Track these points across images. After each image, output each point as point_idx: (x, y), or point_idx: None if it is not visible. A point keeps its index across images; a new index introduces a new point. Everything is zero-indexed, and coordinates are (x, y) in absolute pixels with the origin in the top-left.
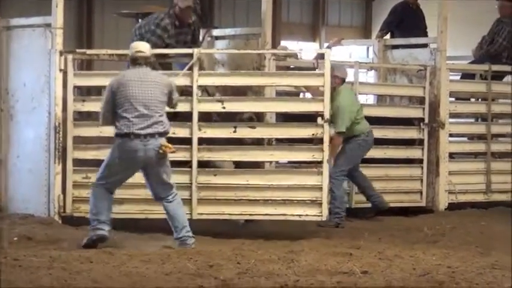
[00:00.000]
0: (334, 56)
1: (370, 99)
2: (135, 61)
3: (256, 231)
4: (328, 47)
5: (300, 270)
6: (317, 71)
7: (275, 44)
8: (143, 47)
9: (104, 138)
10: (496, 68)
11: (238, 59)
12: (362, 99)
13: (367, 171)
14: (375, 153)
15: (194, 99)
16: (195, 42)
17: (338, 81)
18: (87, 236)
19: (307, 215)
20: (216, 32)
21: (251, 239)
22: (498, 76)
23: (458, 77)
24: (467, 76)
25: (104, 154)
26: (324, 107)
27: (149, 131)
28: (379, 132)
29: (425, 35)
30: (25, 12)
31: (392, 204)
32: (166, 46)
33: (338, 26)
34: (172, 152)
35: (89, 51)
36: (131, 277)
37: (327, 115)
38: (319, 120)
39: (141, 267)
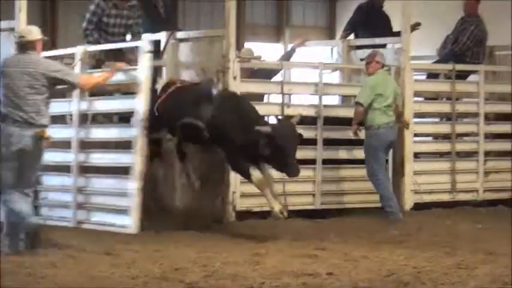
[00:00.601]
0: (300, 57)
1: (336, 100)
2: (17, 46)
3: (221, 234)
4: (293, 49)
5: (265, 272)
6: (133, 67)
7: (239, 46)
8: (24, 31)
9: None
10: (460, 67)
11: (203, 61)
12: (327, 100)
13: (333, 173)
14: (340, 154)
15: (74, 101)
16: (131, 29)
17: (377, 65)
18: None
19: (118, 225)
20: (180, 35)
21: (216, 242)
22: (462, 75)
23: (424, 77)
24: (432, 76)
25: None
26: (140, 105)
27: (23, 119)
28: (344, 133)
29: (391, 35)
30: None
31: (358, 205)
32: (107, 26)
33: (302, 27)
34: (47, 145)
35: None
36: (97, 281)
37: (140, 115)
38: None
39: (107, 272)
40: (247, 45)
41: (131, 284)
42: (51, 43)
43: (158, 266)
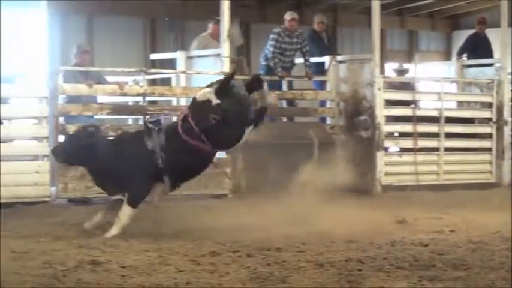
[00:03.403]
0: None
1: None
2: None
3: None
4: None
5: (406, 228)
6: None
7: (382, 66)
8: None
9: None
10: None
11: (355, 77)
12: (446, 105)
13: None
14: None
15: None
16: (300, 50)
17: None
18: None
19: None
20: (339, 58)
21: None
22: None
23: None
24: None
25: None
26: None
27: None
28: (459, 129)
29: (491, 56)
30: None
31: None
32: (284, 51)
33: (427, 52)
34: None
35: None
36: None
37: None
38: None
39: None
40: (388, 65)
41: None
42: None
43: None
